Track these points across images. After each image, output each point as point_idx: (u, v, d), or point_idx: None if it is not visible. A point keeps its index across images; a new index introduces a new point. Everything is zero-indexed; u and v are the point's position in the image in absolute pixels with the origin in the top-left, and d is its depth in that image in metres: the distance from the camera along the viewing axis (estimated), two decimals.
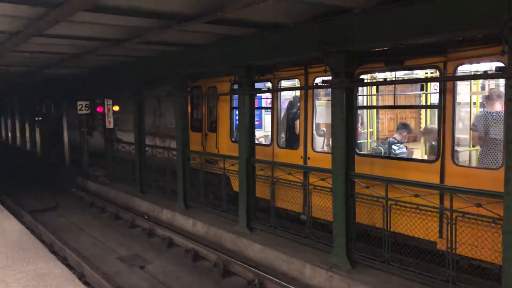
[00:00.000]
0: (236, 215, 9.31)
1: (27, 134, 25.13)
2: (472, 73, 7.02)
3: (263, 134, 12.13)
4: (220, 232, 9.24)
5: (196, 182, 10.96)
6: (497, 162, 6.25)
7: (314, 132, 8.80)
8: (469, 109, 7.65)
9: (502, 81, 8.14)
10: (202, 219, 10.03)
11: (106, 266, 8.42)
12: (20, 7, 6.02)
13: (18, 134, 26.98)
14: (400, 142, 8.26)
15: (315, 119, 8.77)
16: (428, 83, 8.99)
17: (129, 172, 14.16)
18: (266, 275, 7.32)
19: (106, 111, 15.05)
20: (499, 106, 6.50)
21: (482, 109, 7.33)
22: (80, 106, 15.68)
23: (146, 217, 11.41)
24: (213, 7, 6.28)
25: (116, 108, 15.07)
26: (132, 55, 11.11)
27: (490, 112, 6.60)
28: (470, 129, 6.77)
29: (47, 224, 11.40)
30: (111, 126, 15.19)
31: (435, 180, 6.58)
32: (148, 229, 10.45)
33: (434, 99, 8.85)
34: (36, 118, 23.31)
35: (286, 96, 10.62)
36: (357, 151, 7.69)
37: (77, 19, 6.60)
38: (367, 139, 10.08)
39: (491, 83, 8.37)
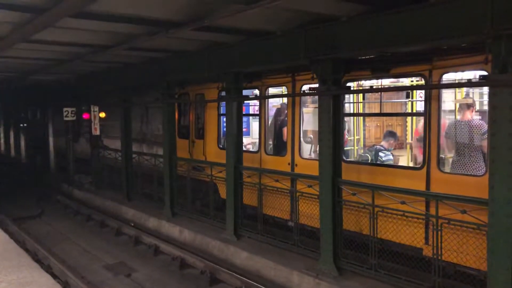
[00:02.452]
0: (223, 222, 9.27)
1: (12, 140, 24.80)
2: (457, 81, 7.13)
3: (250, 141, 12.14)
4: (207, 240, 9.20)
5: (183, 189, 10.90)
6: (468, 168, 6.43)
7: (301, 139, 8.82)
8: (453, 117, 7.76)
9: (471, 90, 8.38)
10: (189, 227, 9.97)
11: (91, 274, 8.31)
12: (5, 13, 5.97)
13: (2, 140, 26.61)
14: (387, 150, 8.32)
15: (302, 126, 8.80)
16: (414, 91, 9.10)
17: (116, 179, 14.04)
18: (253, 283, 7.29)
19: (92, 118, 14.93)
20: (469, 115, 6.72)
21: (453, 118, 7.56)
22: (66, 112, 15.54)
23: (133, 224, 11.30)
24: (200, 14, 6.30)
25: (102, 114, 14.97)
26: (119, 61, 11.07)
27: (459, 121, 6.81)
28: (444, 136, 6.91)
29: (31, 232, 11.24)
30: (98, 132, 15.06)
31: (421, 187, 6.64)
32: (134, 236, 10.35)
33: (420, 106, 8.96)
34: (21, 125, 23.03)
35: (274, 103, 10.65)
36: (344, 158, 7.73)
37: (63, 25, 6.55)
38: (353, 146, 10.15)
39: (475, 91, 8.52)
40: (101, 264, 8.96)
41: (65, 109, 15.52)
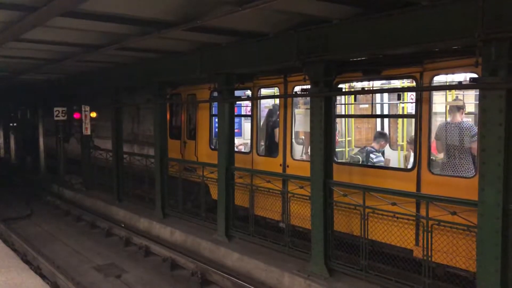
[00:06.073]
0: (215, 223, 9.25)
1: (1, 140, 24.57)
2: (448, 84, 7.18)
3: (242, 142, 12.12)
4: (198, 241, 9.17)
5: (174, 190, 10.86)
6: (458, 169, 6.49)
7: (293, 140, 8.83)
8: (444, 119, 7.81)
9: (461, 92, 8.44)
10: (180, 228, 9.94)
11: (81, 276, 8.24)
12: None
13: None
14: (378, 151, 8.36)
15: (294, 127, 8.81)
16: (405, 93, 9.15)
17: (106, 180, 13.95)
18: (245, 284, 7.28)
19: (83, 118, 14.82)
20: (459, 117, 6.77)
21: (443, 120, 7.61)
22: (57, 112, 15.40)
23: (123, 225, 11.24)
24: (192, 15, 6.28)
25: (93, 114, 14.86)
26: (110, 61, 11.01)
27: (450, 122, 6.86)
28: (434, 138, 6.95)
29: (20, 232, 11.13)
30: (88, 133, 14.96)
31: (412, 188, 6.67)
32: (125, 237, 10.28)
33: (411, 108, 9.01)
34: (11, 124, 22.82)
35: (266, 104, 10.65)
36: (335, 159, 7.75)
37: (54, 24, 6.51)
38: (345, 148, 10.18)
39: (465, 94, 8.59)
40: (91, 265, 8.90)
41: (55, 108, 15.39)
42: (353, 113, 10.30)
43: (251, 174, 8.69)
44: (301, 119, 8.95)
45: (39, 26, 6.57)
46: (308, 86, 7.16)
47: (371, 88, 8.48)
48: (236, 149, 9.79)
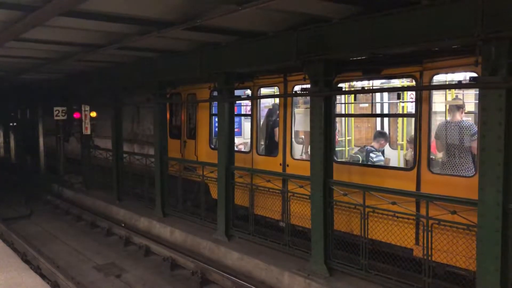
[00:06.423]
0: (215, 223, 9.26)
1: (1, 140, 24.56)
2: (447, 83, 7.18)
3: (242, 141, 12.12)
4: (198, 240, 9.17)
5: (174, 189, 10.86)
6: (458, 169, 6.50)
7: (293, 139, 8.83)
8: (444, 118, 7.80)
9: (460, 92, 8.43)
10: (180, 227, 9.94)
11: (81, 275, 8.24)
12: None
13: None
14: (378, 150, 8.35)
15: (294, 126, 8.81)
16: (405, 92, 9.15)
17: (106, 179, 13.95)
18: (245, 283, 7.28)
19: (83, 117, 14.84)
20: (459, 116, 6.77)
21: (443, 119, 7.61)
22: (57, 111, 15.40)
23: (123, 225, 11.24)
24: (192, 14, 6.28)
25: (93, 114, 14.87)
26: (110, 60, 11.00)
27: (449, 121, 6.87)
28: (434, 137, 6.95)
29: (20, 232, 11.13)
30: (88, 132, 14.97)
31: (412, 187, 6.67)
32: (125, 237, 10.29)
33: (411, 107, 9.00)
34: (11, 124, 22.81)
35: (266, 104, 10.65)
36: (335, 158, 7.74)
37: (54, 23, 6.50)
38: (345, 147, 10.18)
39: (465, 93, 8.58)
40: (91, 264, 8.91)
41: (55, 108, 15.39)
42: (353, 113, 10.31)
43: (251, 174, 8.69)
44: (301, 119, 8.95)
45: (39, 25, 6.57)
46: (308, 86, 7.16)
47: (371, 88, 8.48)
48: (236, 149, 9.79)
